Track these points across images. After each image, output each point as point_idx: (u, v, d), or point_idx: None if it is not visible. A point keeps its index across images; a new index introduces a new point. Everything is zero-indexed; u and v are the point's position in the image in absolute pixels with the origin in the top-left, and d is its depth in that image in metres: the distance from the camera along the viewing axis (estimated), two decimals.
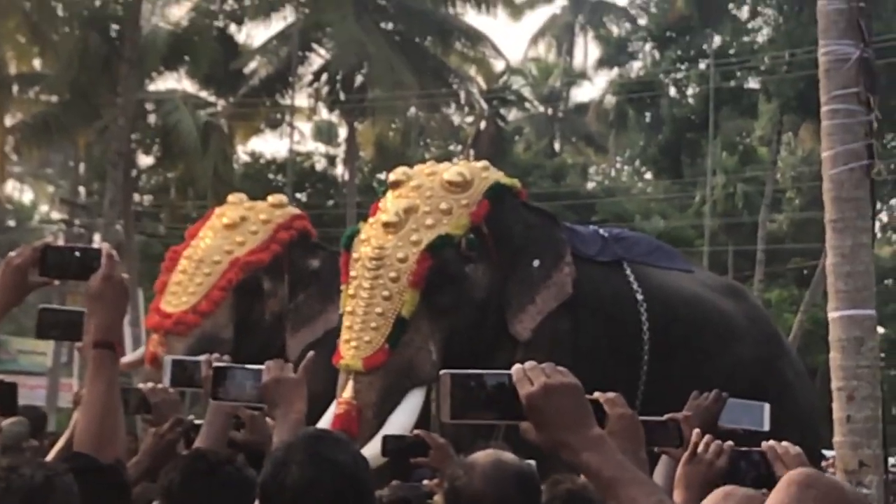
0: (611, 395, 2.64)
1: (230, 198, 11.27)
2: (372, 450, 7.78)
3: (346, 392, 8.06)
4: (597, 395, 2.59)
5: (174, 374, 4.12)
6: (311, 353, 3.43)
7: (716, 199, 32.78)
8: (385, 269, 8.24)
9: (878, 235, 36.27)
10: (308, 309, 10.67)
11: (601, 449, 2.21)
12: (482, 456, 2.92)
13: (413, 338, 8.22)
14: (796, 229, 34.52)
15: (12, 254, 3.26)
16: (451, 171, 8.71)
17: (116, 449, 3.04)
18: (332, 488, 2.58)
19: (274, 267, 10.64)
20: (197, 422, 4.26)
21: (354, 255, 8.49)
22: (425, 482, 5.37)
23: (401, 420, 8.05)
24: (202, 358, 3.95)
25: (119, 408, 3.11)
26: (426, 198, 8.52)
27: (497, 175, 8.92)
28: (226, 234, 10.58)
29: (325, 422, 7.82)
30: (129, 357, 11.10)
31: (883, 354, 30.70)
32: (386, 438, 4.76)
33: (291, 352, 10.54)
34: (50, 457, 3.51)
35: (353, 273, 8.46)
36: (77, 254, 3.21)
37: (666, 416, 3.67)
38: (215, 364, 3.44)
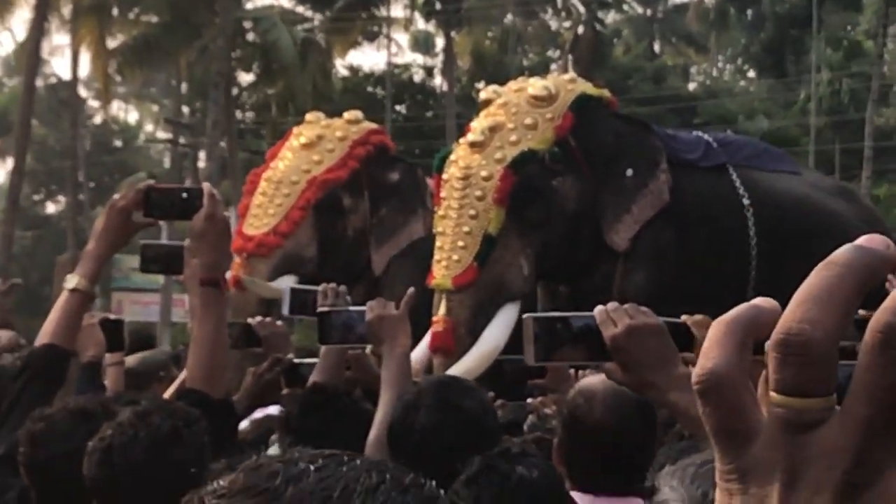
0: (698, 317, 2.60)
1: (308, 116, 11.31)
2: (465, 365, 7.96)
3: (441, 310, 8.15)
4: (684, 318, 2.56)
5: (293, 302, 4.17)
6: (410, 290, 3.47)
7: (821, 97, 32.15)
8: (471, 189, 8.28)
9: None
10: (390, 222, 10.72)
11: (688, 388, 2.18)
12: (599, 383, 2.88)
13: (502, 254, 8.26)
14: None
15: (116, 196, 3.33)
16: (536, 85, 8.66)
17: (225, 383, 3.15)
18: (457, 433, 2.69)
19: (353, 183, 10.66)
20: (296, 361, 4.33)
21: (444, 177, 8.53)
22: (530, 401, 5.39)
23: (494, 335, 8.14)
24: (319, 288, 4.00)
25: (226, 344, 3.20)
26: (512, 114, 8.50)
27: (584, 86, 8.86)
28: (303, 154, 10.61)
29: (422, 343, 7.93)
30: None
31: None
32: (501, 361, 4.80)
33: (377, 266, 10.63)
34: (168, 393, 3.61)
35: (443, 194, 8.51)
36: (181, 194, 3.27)
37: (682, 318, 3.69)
38: (320, 309, 3.48)
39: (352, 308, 3.50)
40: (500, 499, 2.19)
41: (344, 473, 0.93)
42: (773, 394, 0.60)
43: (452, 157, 8.60)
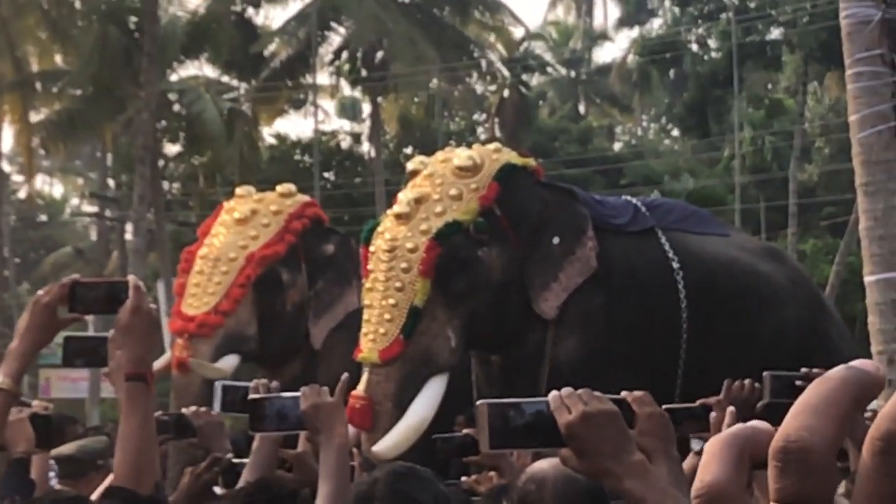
0: (638, 393, 2.59)
1: (238, 191, 11.22)
2: (393, 439, 7.90)
3: (361, 385, 8.09)
4: (624, 394, 2.54)
5: (224, 399, 4.11)
6: (345, 376, 3.42)
7: (744, 155, 32.58)
8: (397, 261, 8.25)
9: None
10: (327, 295, 10.68)
11: (644, 476, 2.17)
12: (550, 468, 2.84)
13: (429, 326, 8.22)
14: (827, 178, 34.24)
15: (40, 292, 3.27)
16: (461, 155, 8.68)
17: (153, 478, 3.07)
18: None
19: (290, 257, 10.60)
20: (235, 461, 4.25)
21: (371, 249, 8.51)
22: (464, 479, 5.34)
23: (421, 408, 8.11)
24: (251, 384, 3.93)
25: (154, 439, 3.12)
26: (437, 185, 8.50)
27: (509, 156, 8.86)
28: (238, 230, 10.52)
29: None
30: (155, 364, 11.12)
31: None
32: (436, 440, 4.74)
33: (315, 339, 10.56)
34: (97, 493, 3.52)
35: (370, 266, 8.48)
36: (104, 288, 3.21)
37: (698, 402, 3.66)
38: (251, 397, 3.42)
39: (284, 395, 3.43)
40: None
41: None
42: None
43: (379, 228, 8.57)
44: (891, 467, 0.56)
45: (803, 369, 3.84)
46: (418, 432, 7.84)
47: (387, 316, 8.18)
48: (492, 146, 9.10)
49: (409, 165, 9.01)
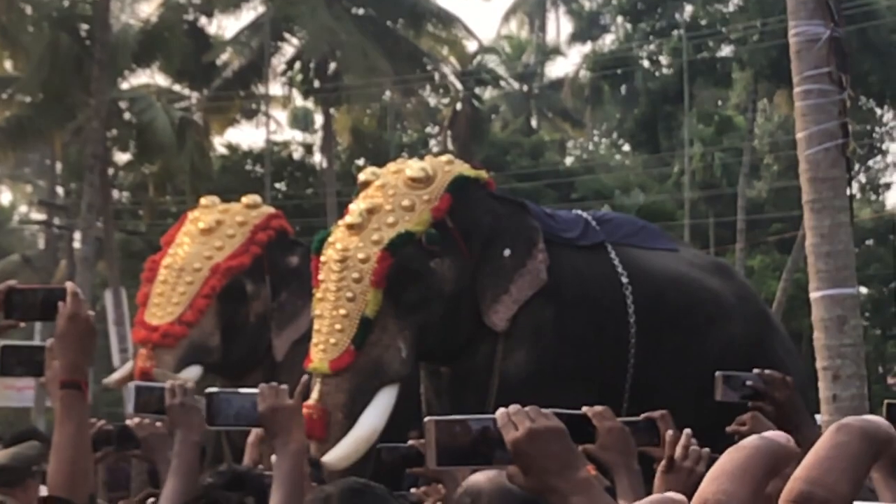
0: (599, 408, 2.60)
1: (202, 201, 11.17)
2: (343, 450, 7.89)
3: (314, 395, 8.07)
4: (585, 409, 2.55)
5: (138, 400, 4.04)
6: (305, 378, 3.41)
7: (694, 171, 32.79)
8: (348, 271, 8.24)
9: (858, 196, 36.37)
10: (291, 306, 10.65)
11: (590, 492, 2.17)
12: (485, 481, 2.82)
13: (380, 337, 8.22)
14: (776, 195, 34.55)
15: None
16: (414, 167, 8.69)
17: (88, 488, 3.05)
18: None
19: (255, 269, 10.60)
20: None
21: (322, 259, 8.49)
22: (413, 490, 5.33)
23: (371, 419, 8.10)
24: (167, 384, 3.89)
25: (89, 448, 3.10)
26: (389, 196, 8.50)
27: (461, 168, 8.89)
28: (203, 240, 10.50)
29: None
30: (117, 374, 11.06)
31: (867, 314, 30.87)
32: (380, 450, 4.71)
33: (278, 351, 10.53)
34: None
35: (321, 276, 8.46)
36: (41, 294, 3.19)
37: (642, 416, 3.67)
38: (207, 391, 3.37)
39: (242, 391, 3.40)
40: None
41: None
42: None
43: (330, 239, 8.56)
44: None
45: (755, 370, 3.90)
46: (369, 443, 7.84)
47: (337, 326, 8.17)
48: (444, 158, 9.11)
49: (361, 176, 9.00)
